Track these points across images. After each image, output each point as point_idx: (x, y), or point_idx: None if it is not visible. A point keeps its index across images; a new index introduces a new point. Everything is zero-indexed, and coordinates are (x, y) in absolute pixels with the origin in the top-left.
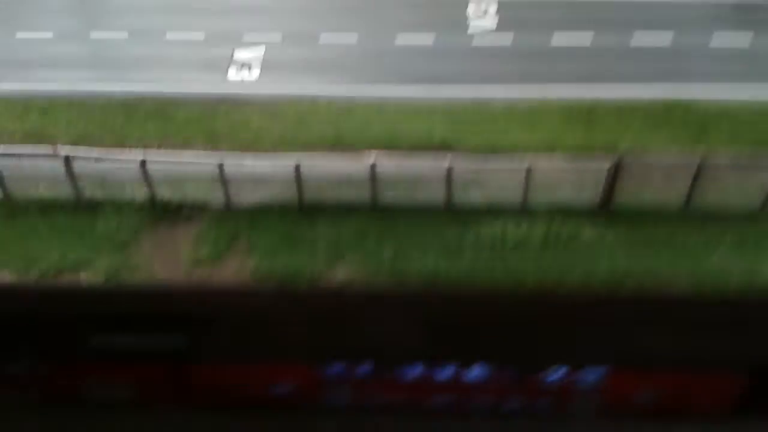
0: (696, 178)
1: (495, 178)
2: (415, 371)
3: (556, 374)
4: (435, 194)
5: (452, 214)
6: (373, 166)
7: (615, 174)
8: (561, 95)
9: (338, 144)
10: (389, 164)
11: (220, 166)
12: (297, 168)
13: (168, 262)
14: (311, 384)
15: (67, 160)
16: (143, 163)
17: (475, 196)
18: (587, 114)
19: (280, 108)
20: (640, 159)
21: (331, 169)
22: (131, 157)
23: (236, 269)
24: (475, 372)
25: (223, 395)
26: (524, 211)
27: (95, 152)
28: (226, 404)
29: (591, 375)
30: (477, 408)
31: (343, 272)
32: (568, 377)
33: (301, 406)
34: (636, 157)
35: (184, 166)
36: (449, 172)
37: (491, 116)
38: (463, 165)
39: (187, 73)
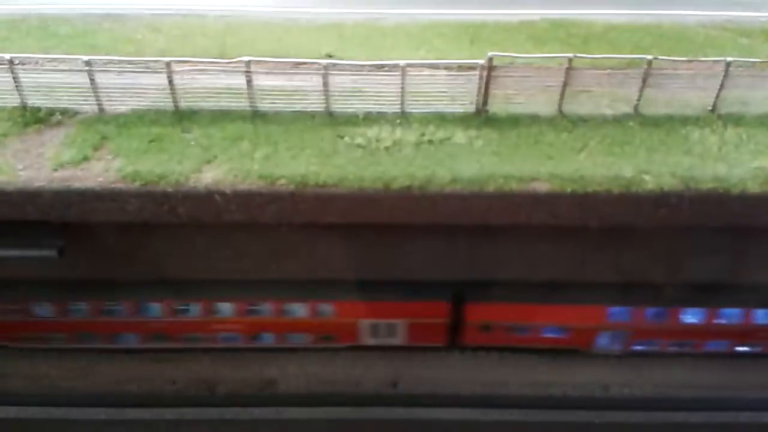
0: (566, 84)
1: (373, 88)
2: None
3: None
4: (313, 103)
5: (329, 121)
6: (249, 74)
7: (488, 79)
8: (450, 16)
9: (222, 58)
10: (266, 73)
11: (90, 72)
12: (169, 74)
13: (32, 164)
14: None
15: None
16: (11, 62)
17: (353, 105)
18: (474, 32)
19: (165, 23)
20: (513, 66)
21: (207, 76)
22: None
23: (100, 171)
24: None
25: None
26: (401, 118)
27: None
28: None
29: None
30: None
31: (212, 174)
32: None
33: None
34: (508, 64)
35: (56, 76)
36: (326, 84)
37: (380, 33)
38: (343, 77)
39: None
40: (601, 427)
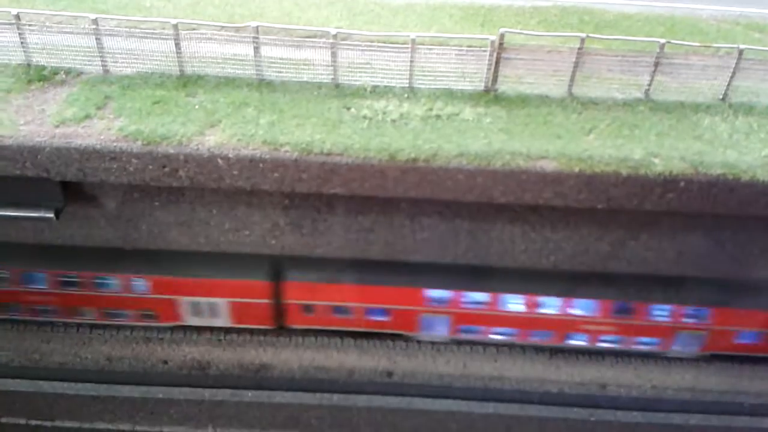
0: (576, 66)
1: (382, 62)
2: None
3: None
4: (321, 74)
5: (336, 92)
6: (257, 42)
7: (498, 57)
8: None
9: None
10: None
11: (96, 33)
12: (176, 39)
13: (34, 120)
14: None
15: None
16: (18, 17)
17: (361, 78)
18: (485, 15)
19: None
20: (524, 47)
21: (215, 44)
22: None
23: (102, 129)
24: None
25: None
26: (408, 92)
27: None
28: None
29: None
30: None
31: (215, 138)
32: None
33: None
34: (519, 45)
35: (62, 36)
36: (335, 55)
37: (390, 12)
38: (352, 51)
39: None
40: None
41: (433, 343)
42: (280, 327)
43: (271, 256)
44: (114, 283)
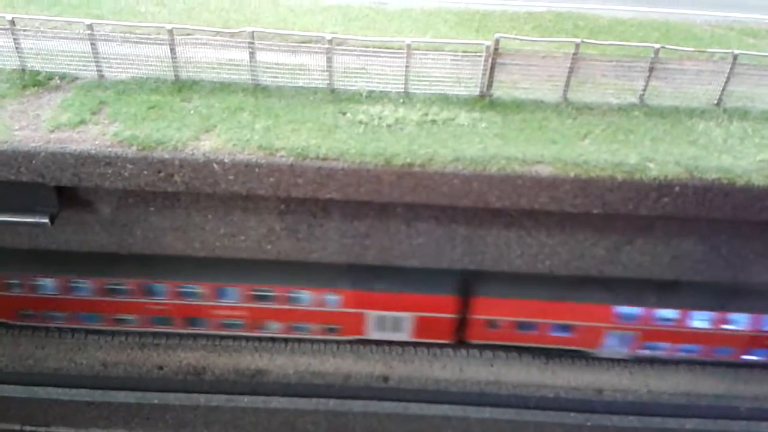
0: (571, 72)
1: (377, 67)
2: None
3: None
4: (316, 79)
5: (332, 98)
6: (252, 47)
7: (493, 63)
8: (456, 3)
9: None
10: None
11: (91, 39)
12: (171, 44)
13: (29, 125)
14: None
15: None
16: (12, 22)
17: (356, 83)
18: (480, 20)
19: None
20: (518, 52)
21: (210, 49)
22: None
23: (97, 134)
24: None
25: None
26: (404, 98)
27: None
28: None
29: None
30: None
31: (210, 143)
32: None
33: None
34: (514, 51)
35: (57, 41)
36: (330, 60)
37: (386, 17)
38: (348, 57)
39: None
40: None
41: (611, 359)
42: (459, 342)
43: (461, 271)
44: (305, 297)
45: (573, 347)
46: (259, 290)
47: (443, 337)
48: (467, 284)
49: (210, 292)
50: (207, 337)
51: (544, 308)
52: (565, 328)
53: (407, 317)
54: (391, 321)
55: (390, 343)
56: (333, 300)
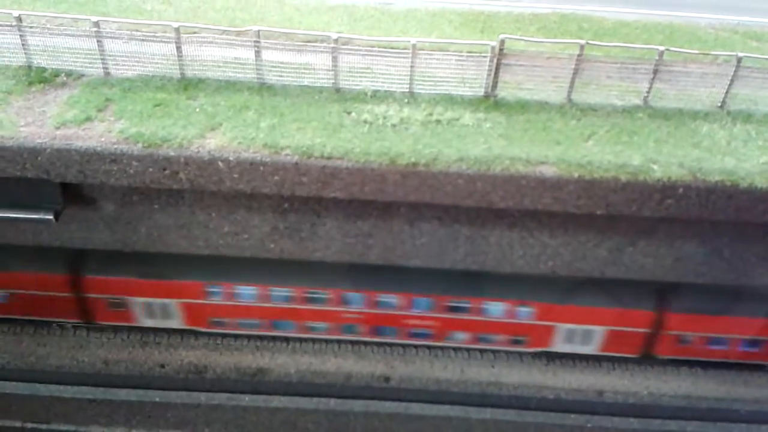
0: (576, 73)
1: (382, 67)
2: None
3: None
4: (321, 78)
5: (337, 97)
6: (258, 46)
7: (498, 63)
8: (461, 4)
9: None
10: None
11: (98, 36)
12: (178, 43)
13: (35, 121)
14: None
15: None
16: (19, 19)
17: (361, 83)
18: (485, 21)
19: None
20: (523, 53)
21: (216, 47)
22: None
23: (103, 131)
24: None
25: None
26: (409, 97)
27: None
28: None
29: None
30: None
31: (216, 141)
32: None
33: None
34: (519, 52)
35: (63, 38)
36: (335, 60)
37: (391, 18)
38: (353, 56)
39: None
40: None
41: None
42: (645, 356)
43: (655, 283)
44: (498, 309)
45: (761, 362)
46: (455, 302)
47: (631, 351)
48: (661, 298)
49: (405, 302)
50: (208, 336)
51: (736, 324)
52: (755, 343)
53: (598, 331)
54: (581, 334)
55: (391, 344)
56: (525, 312)
